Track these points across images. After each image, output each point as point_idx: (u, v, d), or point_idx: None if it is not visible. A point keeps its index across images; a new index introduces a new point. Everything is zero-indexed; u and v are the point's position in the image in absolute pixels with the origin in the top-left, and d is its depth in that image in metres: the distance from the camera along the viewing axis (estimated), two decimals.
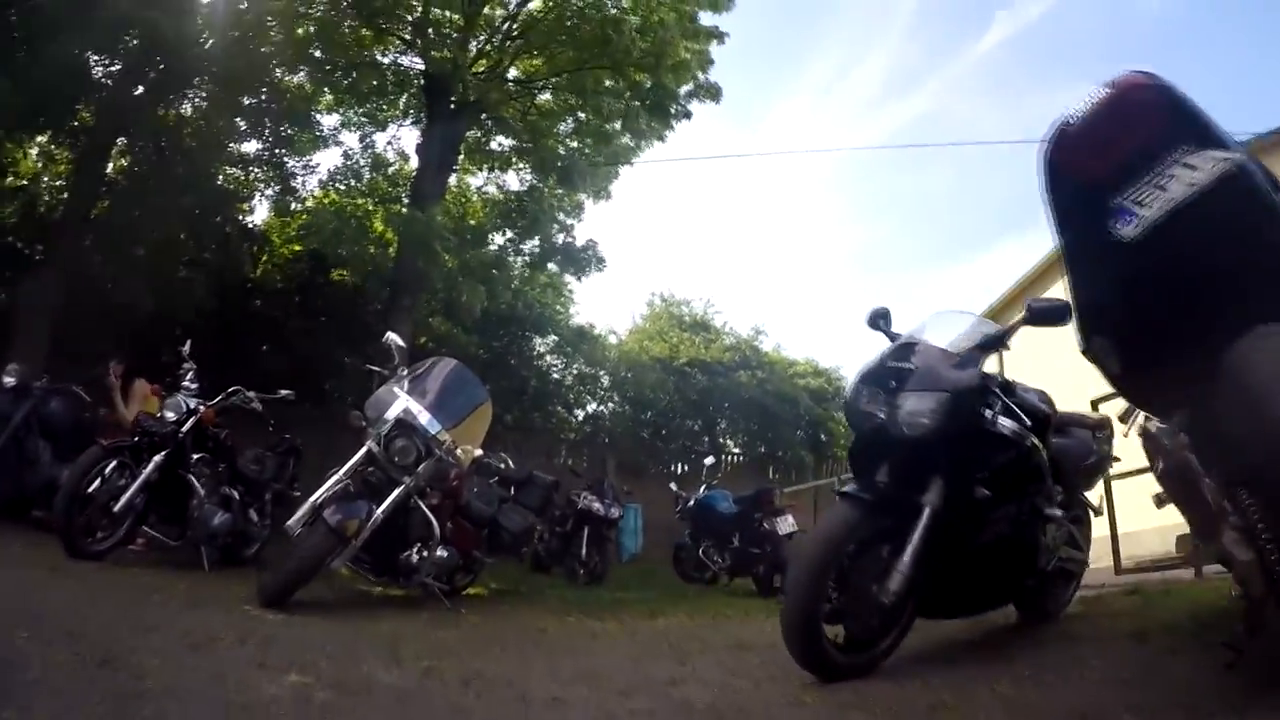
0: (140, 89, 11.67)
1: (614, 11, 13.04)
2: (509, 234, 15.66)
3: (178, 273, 12.31)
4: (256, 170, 14.23)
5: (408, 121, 15.24)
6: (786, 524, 9.39)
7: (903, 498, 3.47)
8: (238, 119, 12.76)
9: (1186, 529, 6.42)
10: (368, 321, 13.73)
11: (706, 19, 14.24)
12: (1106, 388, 5.76)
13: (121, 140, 12.18)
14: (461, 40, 13.71)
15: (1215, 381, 2.37)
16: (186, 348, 6.90)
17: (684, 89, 14.21)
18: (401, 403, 5.75)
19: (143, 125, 11.76)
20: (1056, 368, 5.62)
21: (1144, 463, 5.04)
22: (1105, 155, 2.61)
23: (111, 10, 9.42)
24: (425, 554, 5.74)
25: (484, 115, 14.22)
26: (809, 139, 55.05)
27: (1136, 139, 2.56)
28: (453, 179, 15.20)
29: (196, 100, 12.69)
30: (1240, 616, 2.70)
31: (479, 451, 6.74)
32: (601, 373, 19.74)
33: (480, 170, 16.15)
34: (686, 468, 17.24)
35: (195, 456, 6.49)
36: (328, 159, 38.81)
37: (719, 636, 5.05)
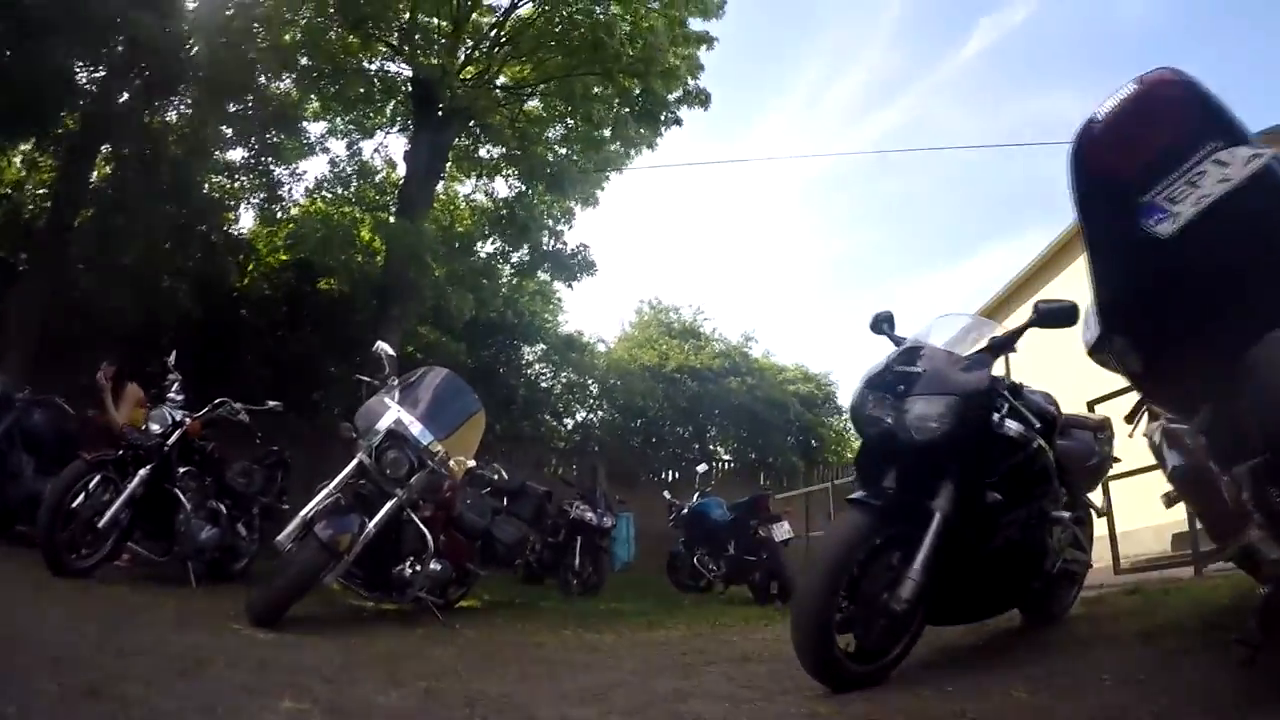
0: (125, 96, 11.54)
1: (604, 17, 12.96)
2: (498, 242, 15.56)
3: (163, 282, 12.14)
4: (243, 178, 14.08)
5: (395, 129, 15.21)
6: (782, 530, 9.31)
7: (912, 503, 3.42)
8: (224, 126, 12.61)
9: (1181, 529, 6.48)
10: (355, 331, 13.59)
11: (696, 24, 14.24)
12: (1104, 389, 5.86)
13: (106, 148, 12.01)
14: (449, 47, 13.67)
15: (1241, 379, 2.34)
16: (172, 358, 6.78)
17: (673, 95, 14.17)
18: (393, 413, 5.65)
19: (128, 132, 11.59)
20: (1053, 369, 5.60)
21: (1139, 463, 5.09)
22: (1133, 152, 2.57)
23: (98, 12, 9.30)
24: (418, 568, 5.63)
25: (472, 122, 14.12)
26: (793, 148, 55.26)
27: (1165, 136, 2.53)
28: (440, 186, 15.09)
29: (182, 107, 12.57)
30: (1253, 613, 2.67)
31: (472, 462, 6.65)
32: (590, 381, 19.69)
33: (468, 178, 16.06)
34: (678, 475, 17.21)
35: (181, 470, 6.38)
36: (314, 167, 38.70)
37: (721, 648, 4.99)
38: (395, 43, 13.66)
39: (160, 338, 10.79)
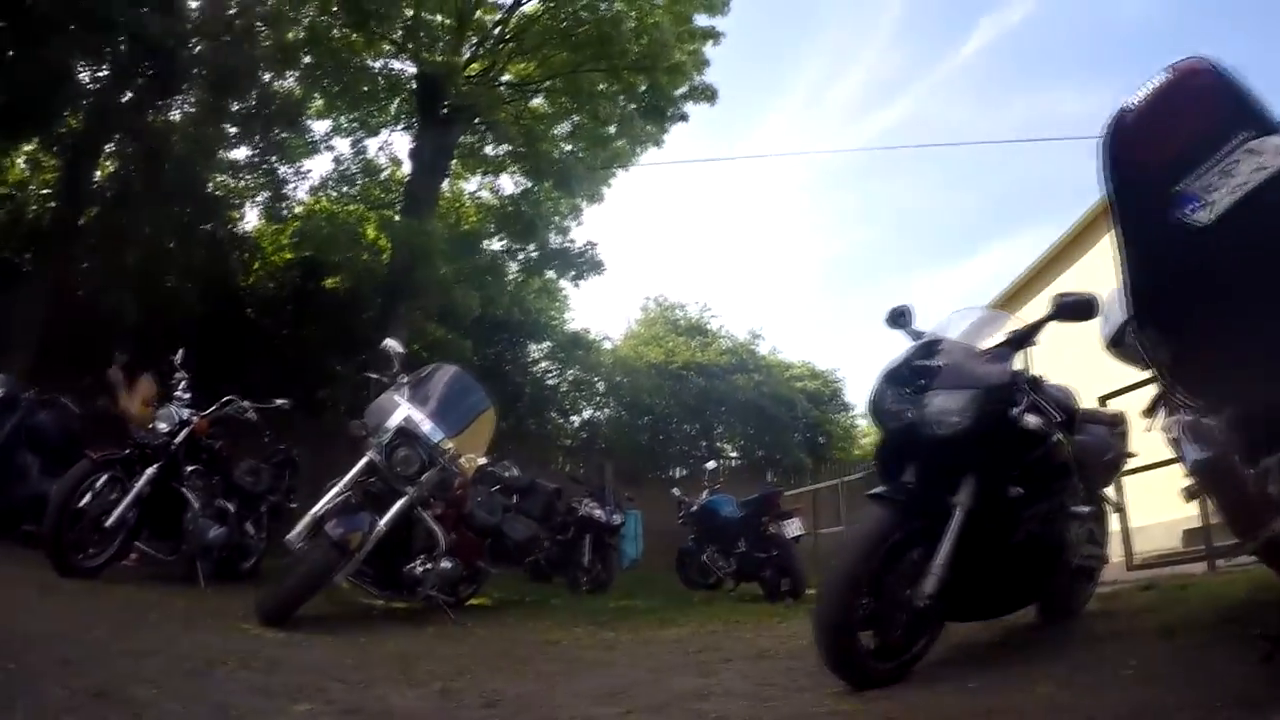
0: (129, 94, 11.47)
1: (609, 12, 12.89)
2: (504, 239, 15.49)
3: (167, 281, 12.09)
4: (247, 177, 14.02)
5: (400, 127, 15.12)
6: (794, 527, 9.26)
7: (934, 498, 3.37)
8: (227, 125, 12.55)
9: (1192, 525, 6.45)
10: (361, 329, 13.54)
11: (701, 20, 14.18)
12: (1115, 384, 5.82)
13: (110, 147, 11.96)
14: (454, 44, 13.60)
15: (1277, 368, 2.30)
16: (179, 356, 6.72)
17: (679, 91, 14.09)
18: (403, 411, 5.61)
19: (131, 131, 11.54)
20: (1065, 364, 5.55)
21: (1152, 459, 5.05)
22: (1167, 141, 2.54)
23: (100, 10, 9.25)
24: (429, 566, 5.60)
25: (477, 120, 14.05)
26: (796, 146, 55.25)
27: (1198, 125, 2.50)
28: (446, 184, 15.03)
29: (186, 106, 12.48)
30: (1276, 607, 2.66)
31: (483, 460, 6.59)
32: (596, 379, 19.59)
33: (474, 175, 15.99)
34: (685, 472, 17.12)
35: (189, 468, 6.34)
36: (319, 165, 38.68)
37: (736, 645, 4.95)
38: (399, 40, 13.58)
39: (165, 337, 10.74)
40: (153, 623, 4.40)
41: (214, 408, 6.58)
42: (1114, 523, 5.70)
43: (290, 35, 12.72)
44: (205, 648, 3.76)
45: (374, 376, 6.43)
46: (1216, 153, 2.39)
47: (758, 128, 52.04)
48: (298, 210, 14.67)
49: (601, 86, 13.81)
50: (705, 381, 19.69)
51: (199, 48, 11.25)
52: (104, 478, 5.80)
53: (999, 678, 3.26)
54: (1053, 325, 3.67)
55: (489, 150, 15.29)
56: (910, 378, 3.61)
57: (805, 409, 20.30)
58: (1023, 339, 3.82)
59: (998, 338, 3.89)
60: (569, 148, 14.98)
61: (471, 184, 16.36)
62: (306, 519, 5.16)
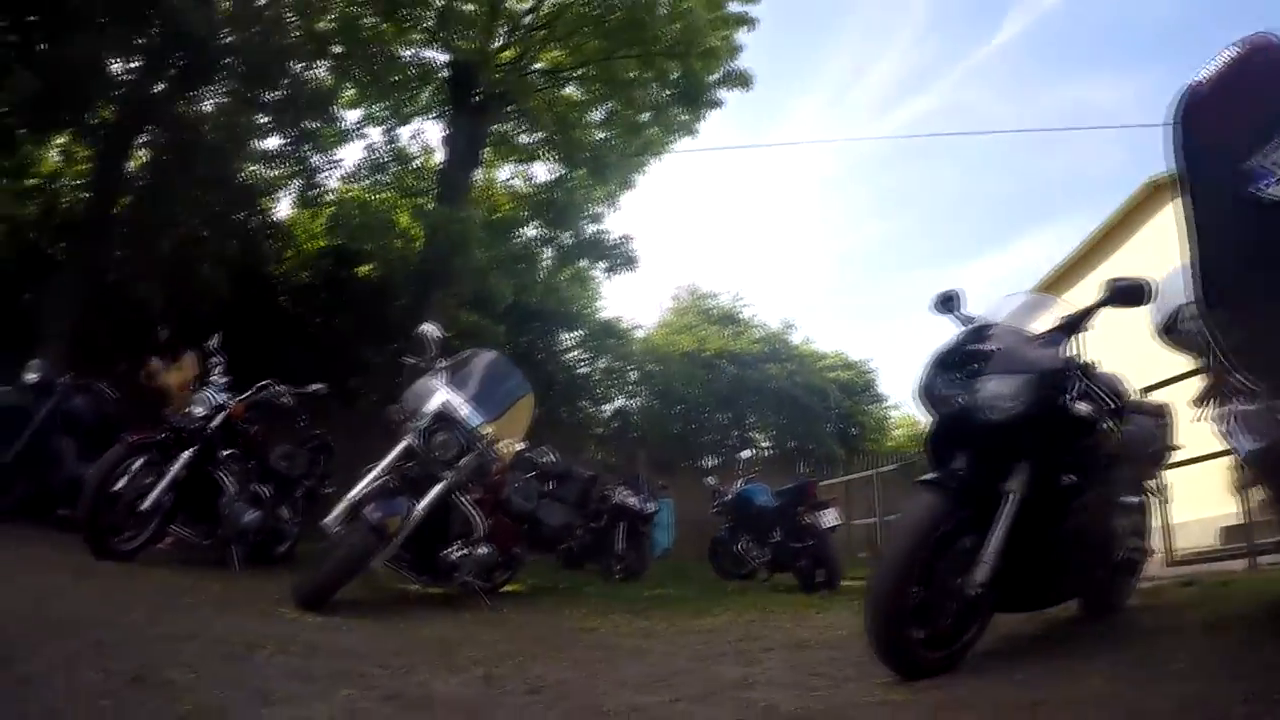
0: (161, 85, 11.54)
1: None
2: (538, 227, 15.45)
3: (200, 270, 12.15)
4: (279, 166, 14.04)
5: (432, 115, 15.06)
6: (830, 517, 9.13)
7: (985, 485, 3.28)
8: (259, 114, 12.58)
9: (1231, 522, 6.34)
10: (394, 316, 13.57)
11: (734, 6, 14.04)
12: (1157, 377, 5.72)
13: (142, 137, 12.04)
14: (485, 31, 13.53)
15: None
16: (215, 340, 6.71)
17: (713, 77, 13.96)
18: (442, 395, 5.55)
19: (164, 121, 11.64)
20: (1109, 354, 5.43)
21: (1190, 454, 4.95)
22: (1236, 116, 2.53)
23: (132, 1, 9.28)
24: (467, 551, 5.54)
25: (510, 107, 14.02)
26: (826, 135, 54.96)
27: (1267, 100, 2.49)
28: (479, 172, 14.99)
29: (218, 96, 12.53)
30: None
31: (521, 445, 6.54)
32: (629, 367, 19.53)
33: (506, 163, 15.95)
34: (717, 461, 17.07)
35: (224, 453, 6.33)
36: (351, 153, 38.84)
37: (776, 634, 4.85)
38: (430, 28, 13.54)
39: (198, 324, 10.80)
40: (188, 606, 4.36)
41: (250, 392, 6.57)
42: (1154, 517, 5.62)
43: (321, 25, 12.72)
44: (242, 632, 3.72)
45: (411, 361, 6.38)
46: None
47: (788, 117, 51.87)
48: (330, 198, 14.68)
49: (634, 73, 13.70)
50: (738, 370, 19.61)
51: (230, 38, 11.27)
52: (139, 461, 5.80)
53: (1045, 670, 3.18)
54: (1102, 313, 3.57)
55: (522, 138, 15.23)
56: (961, 362, 3.51)
57: (838, 399, 20.21)
58: (1075, 324, 3.69)
59: (1048, 322, 3.78)
60: (602, 135, 14.87)
61: (504, 172, 16.32)
62: (343, 503, 5.11)
